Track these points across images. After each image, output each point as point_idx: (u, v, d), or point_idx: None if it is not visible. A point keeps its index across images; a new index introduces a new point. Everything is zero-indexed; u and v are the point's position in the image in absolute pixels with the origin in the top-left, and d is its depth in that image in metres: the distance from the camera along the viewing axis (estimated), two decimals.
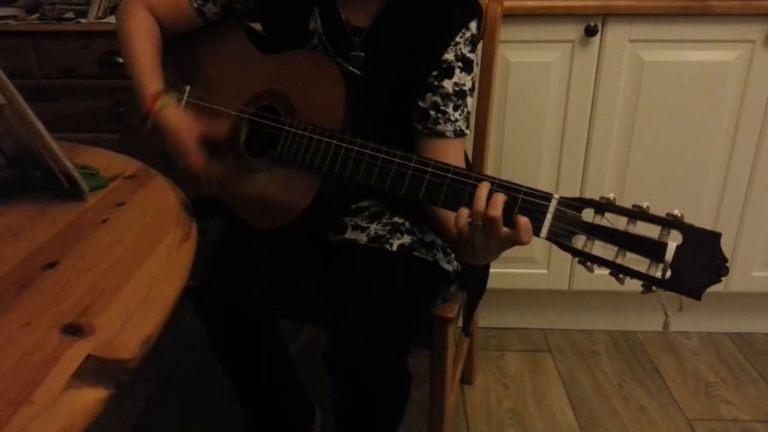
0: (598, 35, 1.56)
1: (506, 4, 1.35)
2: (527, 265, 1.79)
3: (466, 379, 1.68)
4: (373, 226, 1.14)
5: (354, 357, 0.98)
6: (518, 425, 1.54)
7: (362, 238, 1.14)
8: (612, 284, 1.93)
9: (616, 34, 1.56)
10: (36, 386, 0.49)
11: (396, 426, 1.12)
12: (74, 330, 0.56)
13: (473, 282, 1.22)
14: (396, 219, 1.15)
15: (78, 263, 0.68)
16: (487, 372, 1.74)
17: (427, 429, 1.29)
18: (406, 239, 1.12)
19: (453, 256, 1.16)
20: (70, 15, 1.72)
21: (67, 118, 1.70)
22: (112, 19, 1.70)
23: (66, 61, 1.68)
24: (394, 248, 1.11)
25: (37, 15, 1.74)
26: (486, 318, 1.87)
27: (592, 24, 1.54)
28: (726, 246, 1.85)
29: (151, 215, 0.81)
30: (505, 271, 1.77)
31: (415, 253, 1.11)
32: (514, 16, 1.53)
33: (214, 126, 1.11)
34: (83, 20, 1.70)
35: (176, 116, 1.09)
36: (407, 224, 1.15)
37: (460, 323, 1.29)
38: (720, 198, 1.70)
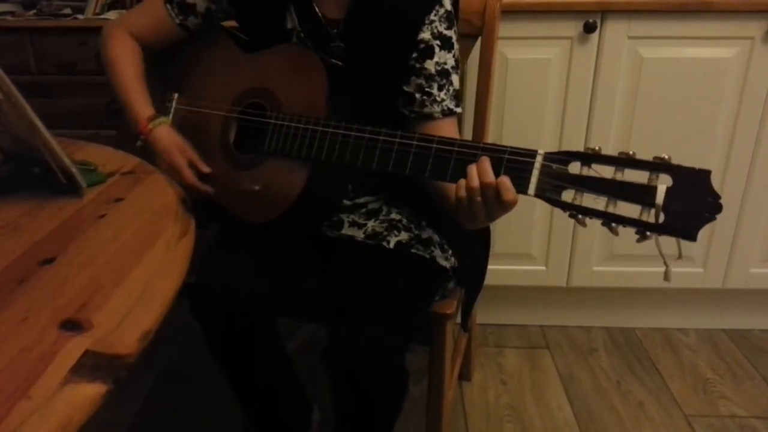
0: (597, 32, 1.56)
1: (505, 0, 1.34)
2: (525, 262, 1.79)
3: (465, 375, 1.68)
4: (371, 223, 1.14)
5: (353, 356, 0.98)
6: (516, 422, 1.54)
7: (359, 234, 1.14)
8: (610, 281, 1.93)
9: (614, 30, 1.56)
10: (34, 381, 0.49)
11: (394, 422, 1.12)
12: (72, 325, 0.56)
13: (471, 278, 1.22)
14: (393, 215, 1.15)
15: (76, 259, 0.68)
16: (486, 368, 1.74)
17: (426, 425, 1.29)
18: (404, 236, 1.12)
19: (450, 252, 1.16)
20: (68, 11, 1.71)
21: (64, 114, 1.70)
22: (109, 15, 1.70)
23: (64, 58, 1.67)
24: (392, 245, 1.11)
25: (35, 11, 1.73)
26: (484, 315, 1.87)
27: (590, 20, 1.54)
28: (724, 243, 1.86)
29: (149, 211, 0.81)
30: (503, 268, 1.77)
31: (413, 250, 1.11)
32: (513, 12, 1.53)
33: (205, 135, 1.13)
34: (81, 16, 1.69)
35: (168, 136, 1.12)
36: (404, 221, 1.15)
37: (459, 320, 1.29)
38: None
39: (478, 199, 0.87)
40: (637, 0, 1.53)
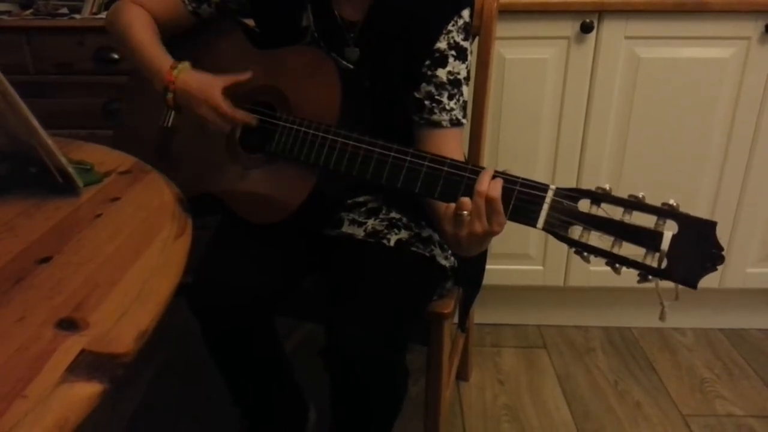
0: (594, 32, 1.56)
1: (502, 0, 1.35)
2: (523, 262, 1.79)
3: (462, 375, 1.68)
4: (371, 222, 1.14)
5: (351, 352, 0.98)
6: (514, 421, 1.55)
7: (359, 232, 1.14)
8: (607, 281, 1.93)
9: (611, 30, 1.56)
10: (30, 380, 0.49)
11: (392, 421, 1.12)
12: (68, 324, 0.56)
13: (470, 278, 1.22)
14: (393, 214, 1.15)
15: (72, 258, 0.68)
16: (483, 368, 1.74)
17: (423, 425, 1.29)
18: (404, 234, 1.12)
19: (450, 252, 1.16)
20: (65, 11, 1.71)
21: (61, 114, 1.70)
22: (106, 14, 1.69)
23: (61, 57, 1.67)
24: (392, 244, 1.11)
25: (32, 10, 1.73)
26: (482, 314, 1.87)
27: (587, 20, 1.54)
28: (721, 243, 1.86)
29: (146, 210, 0.81)
30: (501, 268, 1.77)
31: (413, 249, 1.11)
32: (510, 12, 1.53)
33: (237, 80, 1.09)
34: (78, 16, 1.69)
35: (196, 77, 1.08)
36: (404, 219, 1.15)
37: (456, 319, 1.29)
38: (715, 195, 1.70)
39: (482, 207, 0.86)
40: (634, 0, 1.53)
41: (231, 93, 1.08)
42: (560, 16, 1.56)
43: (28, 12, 1.73)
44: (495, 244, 1.74)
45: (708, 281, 1.92)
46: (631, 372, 1.73)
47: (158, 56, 1.11)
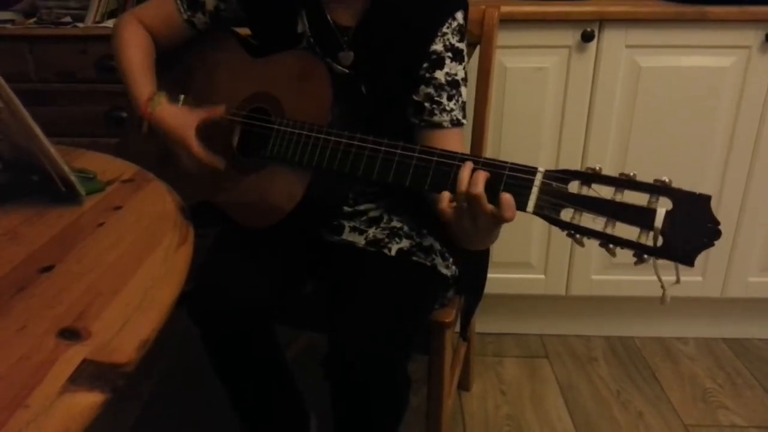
0: (595, 41, 1.57)
1: (503, 9, 1.35)
2: (525, 271, 1.79)
3: (464, 385, 1.67)
4: (372, 230, 1.14)
5: (353, 359, 0.98)
6: (516, 431, 1.54)
7: (360, 240, 1.14)
8: (609, 289, 1.92)
9: (612, 39, 1.57)
10: (32, 390, 0.49)
11: (395, 429, 1.11)
12: (70, 334, 0.56)
13: (471, 287, 1.22)
14: (395, 223, 1.15)
15: (74, 267, 0.68)
16: (485, 378, 1.74)
17: None
18: (405, 243, 1.12)
19: (451, 260, 1.16)
20: (68, 19, 1.71)
21: (64, 122, 1.70)
22: (109, 23, 1.70)
23: (63, 66, 1.67)
24: (393, 253, 1.11)
25: (35, 19, 1.74)
26: (483, 323, 1.87)
27: (588, 29, 1.55)
28: (722, 252, 1.85)
29: (148, 219, 0.81)
30: (502, 277, 1.77)
31: (414, 258, 1.11)
32: (511, 21, 1.53)
33: (209, 137, 1.12)
34: (80, 24, 1.69)
35: (171, 114, 1.11)
36: (406, 228, 1.15)
37: (458, 328, 1.28)
38: (716, 204, 1.70)
39: (464, 204, 0.85)
40: (635, 9, 1.53)
41: (225, 99, 1.10)
42: (561, 25, 1.56)
43: (31, 20, 1.74)
44: (496, 253, 1.75)
45: (710, 290, 1.92)
46: (633, 382, 1.72)
47: (139, 84, 1.14)
